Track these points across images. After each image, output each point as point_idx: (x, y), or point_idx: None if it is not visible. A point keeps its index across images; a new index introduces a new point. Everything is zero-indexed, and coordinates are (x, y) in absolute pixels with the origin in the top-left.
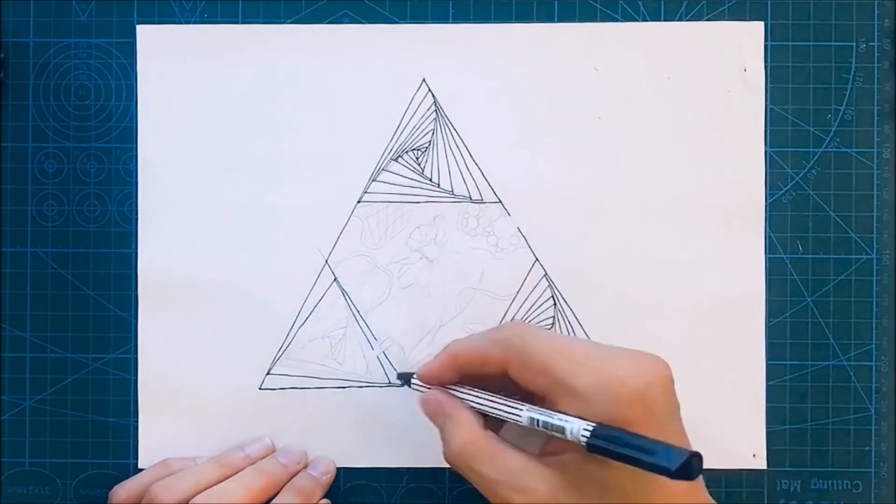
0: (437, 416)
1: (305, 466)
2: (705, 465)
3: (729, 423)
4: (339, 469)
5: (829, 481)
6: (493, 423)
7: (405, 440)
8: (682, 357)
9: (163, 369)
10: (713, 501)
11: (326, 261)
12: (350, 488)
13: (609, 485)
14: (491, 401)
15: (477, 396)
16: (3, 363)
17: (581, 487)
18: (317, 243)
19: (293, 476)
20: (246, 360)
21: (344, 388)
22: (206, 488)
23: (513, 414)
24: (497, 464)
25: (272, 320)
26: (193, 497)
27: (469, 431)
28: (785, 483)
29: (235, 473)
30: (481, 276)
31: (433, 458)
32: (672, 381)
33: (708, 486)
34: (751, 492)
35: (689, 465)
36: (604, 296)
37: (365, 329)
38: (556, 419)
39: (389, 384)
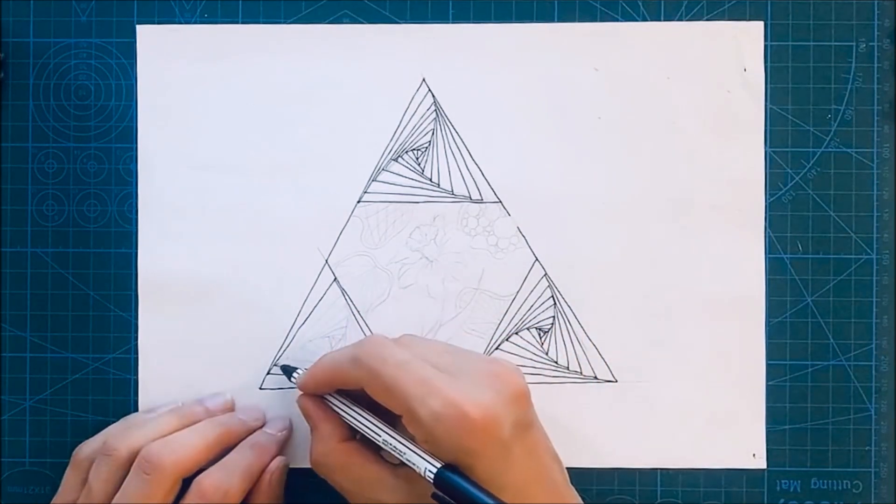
0: (307, 420)
1: (264, 425)
2: (705, 465)
3: (729, 422)
4: None
5: (829, 481)
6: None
7: None
8: (683, 357)
9: (163, 369)
10: None
11: (326, 261)
12: None
13: None
14: (357, 416)
15: (346, 408)
16: (3, 363)
17: (426, 498)
18: (317, 243)
19: (251, 432)
20: (246, 360)
21: None
22: (162, 437)
23: (373, 435)
24: (351, 474)
25: (272, 320)
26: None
27: (327, 443)
28: (785, 483)
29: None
30: (481, 276)
31: None
32: (525, 396)
33: (708, 487)
34: (751, 492)
35: None
36: (604, 296)
37: (365, 329)
38: (407, 456)
39: None
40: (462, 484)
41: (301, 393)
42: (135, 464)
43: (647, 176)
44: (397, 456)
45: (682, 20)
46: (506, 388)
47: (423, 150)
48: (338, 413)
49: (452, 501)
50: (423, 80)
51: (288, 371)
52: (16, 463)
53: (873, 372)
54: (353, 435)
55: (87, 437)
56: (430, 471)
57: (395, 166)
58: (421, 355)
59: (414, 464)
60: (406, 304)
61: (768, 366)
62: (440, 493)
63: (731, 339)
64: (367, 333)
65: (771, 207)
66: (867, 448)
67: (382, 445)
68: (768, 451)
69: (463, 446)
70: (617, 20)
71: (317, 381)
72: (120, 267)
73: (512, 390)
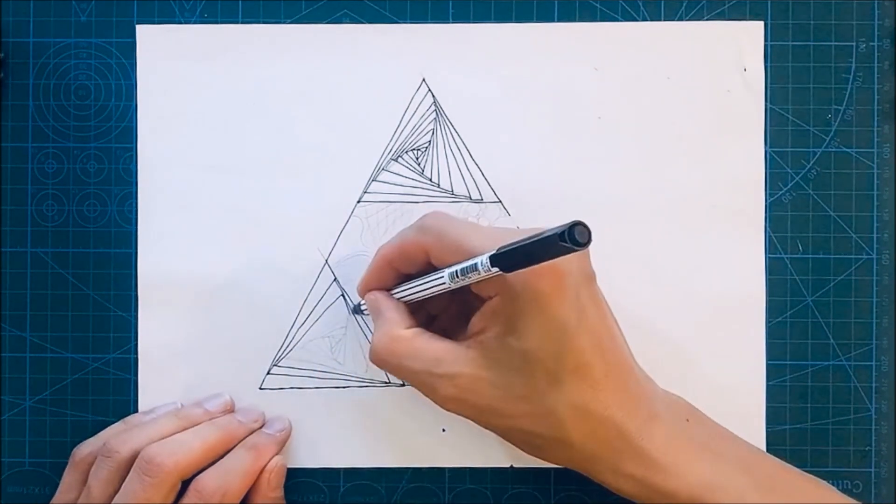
0: (373, 313)
1: (263, 426)
2: None
3: (729, 422)
4: (339, 469)
5: (829, 481)
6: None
7: (405, 440)
8: (683, 357)
9: (163, 369)
10: (647, 377)
11: (326, 261)
12: (350, 488)
13: (526, 354)
14: (417, 283)
15: (406, 288)
16: (3, 363)
17: (499, 360)
18: (317, 243)
19: (250, 433)
20: (246, 360)
21: (344, 388)
22: (162, 439)
23: (437, 282)
24: (420, 354)
25: (272, 320)
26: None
27: (392, 326)
28: None
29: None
30: None
31: (433, 458)
32: (586, 253)
33: None
34: None
35: (572, 233)
36: (603, 295)
37: (365, 329)
38: (469, 261)
39: (389, 384)
40: (515, 244)
41: (365, 299)
42: (135, 465)
43: (646, 176)
44: (463, 281)
45: (682, 20)
46: None
47: (423, 150)
48: (402, 294)
49: (509, 248)
50: (423, 80)
51: (357, 308)
52: (16, 463)
53: (873, 372)
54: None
55: (87, 437)
56: (486, 259)
57: (395, 166)
58: (482, 225)
59: (477, 263)
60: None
61: (768, 366)
62: (499, 253)
63: (731, 339)
64: (367, 334)
65: (771, 207)
66: (867, 448)
67: (450, 281)
68: (768, 450)
69: (536, 289)
70: (617, 20)
71: (378, 271)
72: (120, 267)
73: None
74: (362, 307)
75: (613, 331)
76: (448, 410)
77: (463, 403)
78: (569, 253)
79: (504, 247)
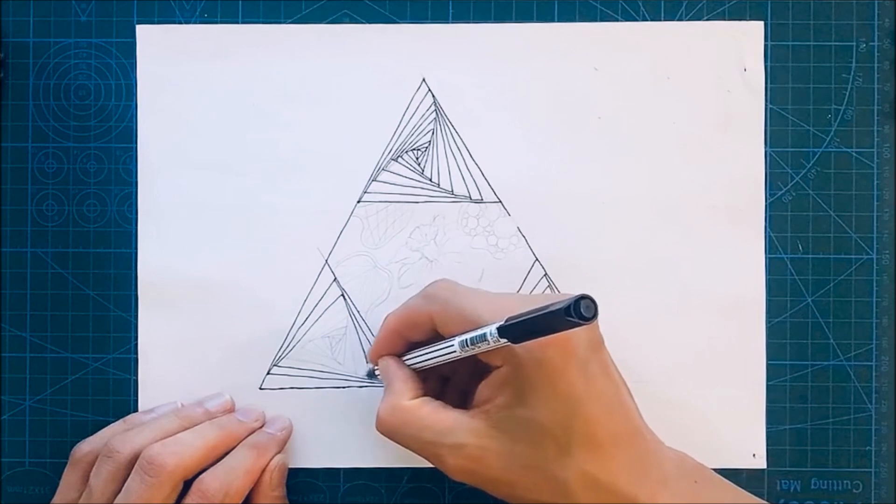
0: (385, 384)
1: (263, 425)
2: (705, 465)
3: (729, 423)
4: (339, 469)
5: (829, 481)
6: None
7: None
8: (683, 357)
9: (163, 369)
10: (656, 438)
11: (326, 261)
12: (350, 488)
13: (535, 424)
14: (428, 350)
15: (416, 355)
16: (3, 363)
17: (507, 430)
18: (317, 243)
19: (251, 433)
20: (246, 360)
21: (344, 388)
22: (163, 439)
23: (447, 350)
24: (426, 425)
25: (272, 320)
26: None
27: (398, 396)
28: (785, 483)
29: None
30: (481, 276)
31: None
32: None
33: None
34: (751, 492)
35: (578, 307)
36: (604, 296)
37: (365, 329)
38: (478, 330)
39: None
40: (522, 317)
41: (379, 367)
42: (136, 465)
43: (646, 176)
44: (472, 350)
45: (682, 20)
46: None
47: (423, 150)
48: (413, 361)
49: (518, 320)
50: (423, 80)
51: (371, 373)
52: (16, 463)
53: (873, 372)
54: (425, 395)
55: (87, 437)
56: (494, 330)
57: (395, 166)
58: (488, 293)
59: (486, 333)
60: None
61: (768, 366)
62: (506, 324)
63: (731, 339)
64: (367, 333)
65: (771, 207)
66: (867, 448)
67: (460, 350)
68: (768, 451)
69: (544, 359)
70: (617, 20)
71: (386, 339)
72: (120, 267)
73: None
74: (376, 372)
75: (623, 397)
76: (456, 480)
77: (470, 473)
78: (576, 327)
79: (512, 318)
